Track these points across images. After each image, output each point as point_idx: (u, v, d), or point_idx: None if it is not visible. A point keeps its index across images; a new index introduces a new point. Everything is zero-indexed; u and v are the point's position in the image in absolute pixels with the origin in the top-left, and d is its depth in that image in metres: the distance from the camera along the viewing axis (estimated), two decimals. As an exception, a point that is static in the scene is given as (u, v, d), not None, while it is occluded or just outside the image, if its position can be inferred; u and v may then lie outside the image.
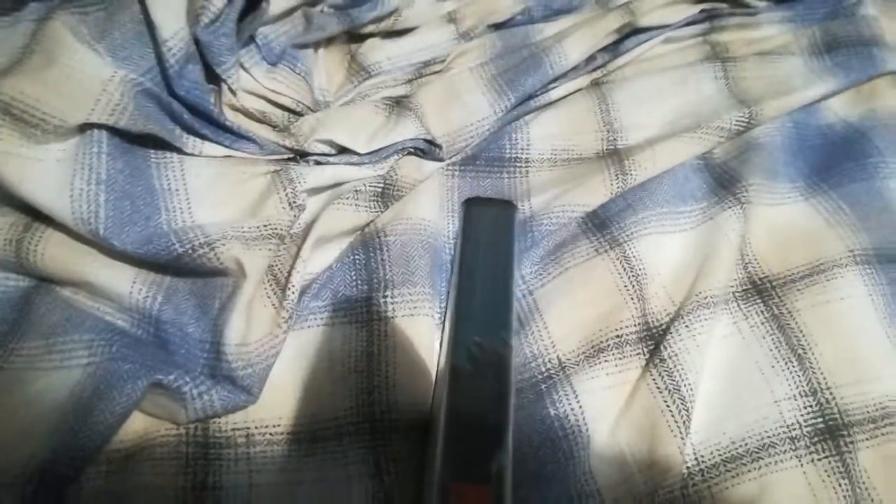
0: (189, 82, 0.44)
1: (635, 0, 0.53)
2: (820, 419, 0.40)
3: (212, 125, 0.44)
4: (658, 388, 0.39)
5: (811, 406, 0.40)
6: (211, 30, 0.44)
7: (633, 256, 0.44)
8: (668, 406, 0.39)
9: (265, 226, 0.41)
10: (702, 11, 0.55)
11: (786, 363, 0.41)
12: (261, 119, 0.47)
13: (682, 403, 0.38)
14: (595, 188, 0.46)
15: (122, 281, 0.40)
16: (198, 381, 0.37)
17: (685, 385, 0.39)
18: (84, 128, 0.39)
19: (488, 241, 0.25)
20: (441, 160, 0.49)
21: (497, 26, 0.56)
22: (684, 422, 0.38)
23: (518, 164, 0.49)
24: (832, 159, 0.49)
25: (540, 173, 0.49)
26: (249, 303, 0.40)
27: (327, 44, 0.54)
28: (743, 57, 0.53)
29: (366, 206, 0.45)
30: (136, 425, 0.38)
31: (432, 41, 0.54)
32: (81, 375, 0.36)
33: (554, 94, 0.53)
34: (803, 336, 0.42)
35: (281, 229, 0.42)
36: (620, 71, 0.54)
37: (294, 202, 0.42)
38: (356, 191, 0.45)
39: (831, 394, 0.40)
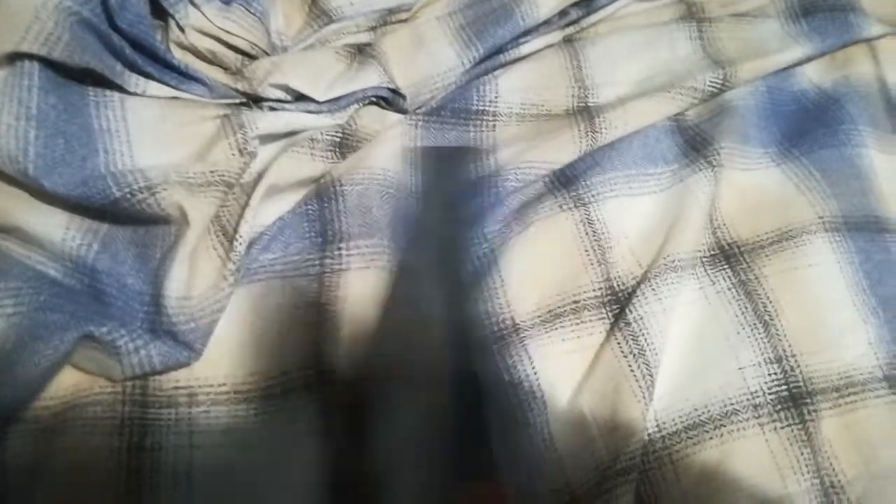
0: (132, 15, 0.40)
1: (611, -46, 0.51)
2: (784, 387, 0.39)
3: (157, 63, 0.41)
4: (623, 352, 0.38)
5: (776, 373, 0.39)
6: (157, -41, 0.41)
7: (598, 219, 0.43)
8: (632, 370, 0.37)
9: (212, 172, 0.38)
10: (678, -31, 0.54)
11: (752, 329, 0.40)
12: (211, 60, 0.44)
13: (647, 368, 0.37)
14: (563, 145, 0.44)
15: (54, 227, 0.37)
16: (135, 336, 0.35)
17: (650, 349, 0.38)
18: (13, 58, 0.36)
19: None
20: (405, 111, 0.47)
21: (467, -25, 0.53)
22: (648, 387, 0.37)
23: (485, 118, 0.47)
24: (805, 125, 0.48)
25: (507, 128, 0.47)
26: (193, 253, 0.37)
27: (286, -16, 0.50)
28: (719, 17, 0.51)
29: (322, 156, 0.43)
30: (67, 381, 0.35)
31: (399, -13, 0.51)
32: (5, 325, 0.33)
33: (525, 48, 0.50)
34: (770, 303, 0.41)
35: (229, 176, 0.39)
36: (594, 28, 0.52)
37: (244, 148, 0.40)
38: (312, 139, 0.43)
39: (796, 361, 0.39)
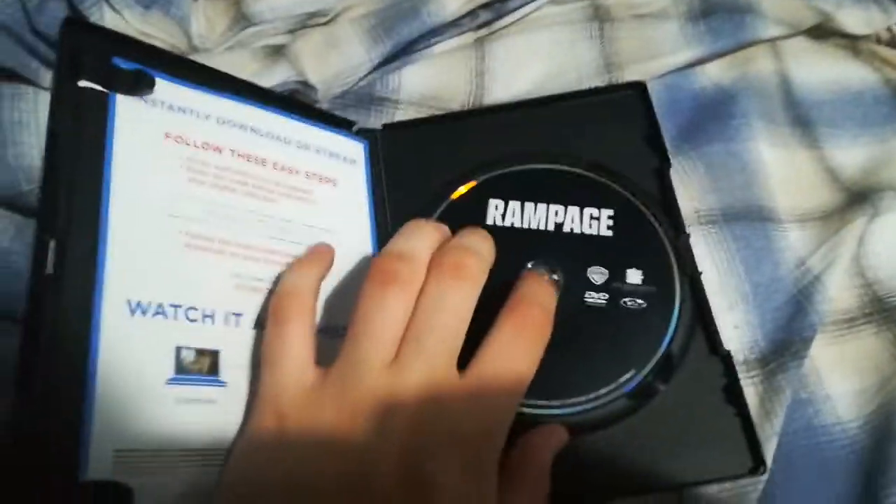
0: (49, 18, 0.44)
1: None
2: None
3: (72, 61, 0.44)
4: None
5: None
6: (72, -35, 0.44)
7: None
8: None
9: None
10: (587, -27, 0.56)
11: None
12: (129, 59, 0.47)
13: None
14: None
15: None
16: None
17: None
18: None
19: None
20: (317, 102, 0.50)
21: (388, -18, 0.56)
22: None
23: (386, 104, 0.51)
24: (699, 121, 0.50)
25: (406, 115, 0.50)
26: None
27: (211, -9, 0.53)
28: (621, 19, 0.54)
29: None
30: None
31: (320, -6, 0.54)
32: None
33: (437, 48, 0.54)
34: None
35: None
36: (505, 30, 0.55)
37: None
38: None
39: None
